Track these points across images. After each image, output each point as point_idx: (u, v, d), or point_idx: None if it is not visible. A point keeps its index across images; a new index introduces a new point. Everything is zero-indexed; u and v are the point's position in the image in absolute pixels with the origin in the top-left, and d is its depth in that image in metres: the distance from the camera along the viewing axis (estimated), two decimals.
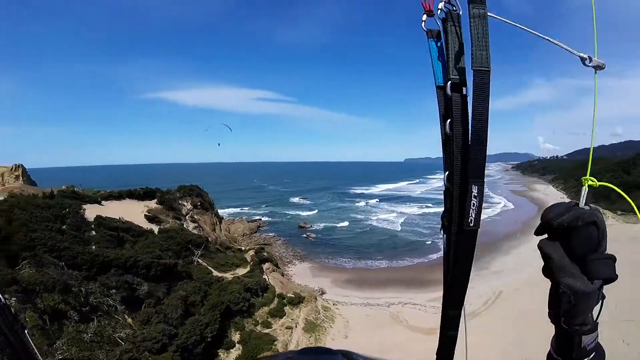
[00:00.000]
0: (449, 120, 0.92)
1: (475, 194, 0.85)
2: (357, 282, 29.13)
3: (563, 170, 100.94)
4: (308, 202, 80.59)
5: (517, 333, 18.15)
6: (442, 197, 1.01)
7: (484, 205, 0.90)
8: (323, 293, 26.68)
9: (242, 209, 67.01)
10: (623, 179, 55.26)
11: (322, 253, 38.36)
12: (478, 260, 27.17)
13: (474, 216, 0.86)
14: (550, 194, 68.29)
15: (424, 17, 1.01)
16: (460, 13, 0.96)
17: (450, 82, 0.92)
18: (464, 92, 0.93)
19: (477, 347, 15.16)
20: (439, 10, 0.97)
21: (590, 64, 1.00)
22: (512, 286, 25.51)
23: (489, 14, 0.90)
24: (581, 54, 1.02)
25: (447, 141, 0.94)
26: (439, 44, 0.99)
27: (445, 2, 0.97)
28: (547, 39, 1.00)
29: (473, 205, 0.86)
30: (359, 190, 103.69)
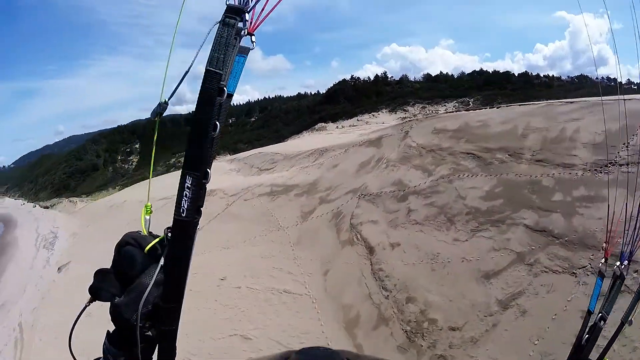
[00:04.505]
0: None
1: (189, 185, 0.87)
2: None
3: (15, 178, 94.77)
4: None
5: None
6: None
7: None
8: None
9: None
10: (77, 165, 69.90)
11: None
12: None
13: (186, 207, 0.87)
14: (10, 204, 57.42)
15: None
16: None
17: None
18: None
19: None
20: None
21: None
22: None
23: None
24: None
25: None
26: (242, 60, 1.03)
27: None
28: None
29: (186, 196, 0.87)
30: None
